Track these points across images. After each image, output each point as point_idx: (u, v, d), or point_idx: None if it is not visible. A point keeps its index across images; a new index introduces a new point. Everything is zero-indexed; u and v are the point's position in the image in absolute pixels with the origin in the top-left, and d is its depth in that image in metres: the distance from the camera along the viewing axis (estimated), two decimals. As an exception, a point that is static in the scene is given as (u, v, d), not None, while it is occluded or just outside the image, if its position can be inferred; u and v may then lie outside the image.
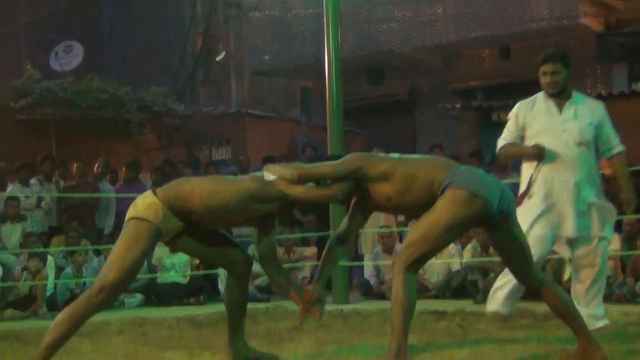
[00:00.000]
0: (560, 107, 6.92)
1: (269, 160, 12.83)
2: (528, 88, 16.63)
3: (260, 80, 21.13)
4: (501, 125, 15.84)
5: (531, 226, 6.37)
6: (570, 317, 4.99)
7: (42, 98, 15.30)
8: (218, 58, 21.12)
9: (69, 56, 20.15)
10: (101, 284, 4.65)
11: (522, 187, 6.76)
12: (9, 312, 9.37)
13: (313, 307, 5.04)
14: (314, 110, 18.64)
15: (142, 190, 11.76)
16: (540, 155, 6.55)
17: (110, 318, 8.20)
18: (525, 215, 6.26)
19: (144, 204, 4.78)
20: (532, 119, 6.94)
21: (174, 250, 5.17)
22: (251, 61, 20.95)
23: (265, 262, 5.03)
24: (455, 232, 4.75)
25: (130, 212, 4.80)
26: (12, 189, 11.40)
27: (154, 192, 4.85)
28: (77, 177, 12.11)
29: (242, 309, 5.29)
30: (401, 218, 11.80)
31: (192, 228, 4.94)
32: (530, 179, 6.65)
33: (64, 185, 11.97)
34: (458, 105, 16.53)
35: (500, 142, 7.05)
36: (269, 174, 4.88)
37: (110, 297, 4.73)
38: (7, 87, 15.88)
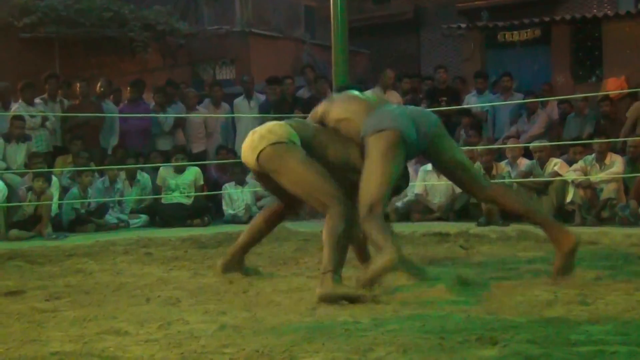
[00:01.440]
0: None
1: (273, 82, 12.71)
2: (533, 8, 16.64)
3: (265, -1, 20.93)
4: (506, 45, 15.90)
5: None
6: (530, 212, 5.30)
7: (46, 16, 15.16)
8: (222, -25, 20.90)
9: (70, -26, 19.90)
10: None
11: None
12: (14, 232, 9.40)
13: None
14: (319, 29, 18.50)
15: (146, 110, 11.83)
16: None
17: (115, 238, 8.25)
18: None
19: (281, 130, 5.07)
20: None
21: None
22: (256, -22, 20.75)
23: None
24: (395, 169, 4.92)
25: (264, 141, 5.01)
26: (16, 108, 11.31)
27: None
28: (81, 96, 12.02)
29: (264, 234, 5.68)
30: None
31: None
32: None
33: (68, 104, 11.90)
34: (463, 25, 16.38)
35: None
36: None
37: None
38: (10, 4, 15.73)
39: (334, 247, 4.64)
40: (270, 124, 5.17)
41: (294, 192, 5.07)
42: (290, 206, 5.51)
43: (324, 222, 4.81)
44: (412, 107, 5.81)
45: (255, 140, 5.06)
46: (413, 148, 4.98)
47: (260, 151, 4.98)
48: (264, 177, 5.23)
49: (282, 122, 5.17)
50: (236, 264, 5.52)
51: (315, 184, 4.87)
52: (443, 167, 5.29)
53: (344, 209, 4.76)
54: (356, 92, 5.51)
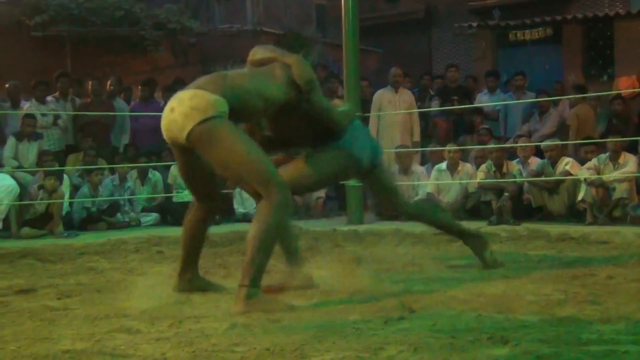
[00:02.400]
0: None
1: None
2: (545, 7, 16.61)
3: (276, -2, 20.96)
4: (518, 44, 15.87)
5: None
6: (449, 228, 5.92)
7: (57, 15, 15.21)
8: (234, -25, 20.94)
9: (83, -28, 19.96)
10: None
11: None
12: (26, 230, 9.43)
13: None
14: (330, 28, 18.49)
15: (157, 109, 11.84)
16: None
17: (126, 237, 8.27)
18: None
19: (208, 103, 4.45)
20: None
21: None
22: (267, -23, 20.78)
23: None
24: (332, 180, 5.72)
25: (195, 117, 4.41)
26: (28, 106, 11.34)
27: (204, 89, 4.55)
28: (92, 94, 12.05)
29: (200, 243, 5.14)
30: (416, 138, 11.78)
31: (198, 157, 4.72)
32: None
33: (80, 102, 11.92)
34: (474, 24, 16.38)
35: None
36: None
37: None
38: (22, 3, 15.79)
39: (257, 250, 4.28)
40: (189, 93, 4.56)
41: (227, 176, 4.97)
42: (208, 202, 5.08)
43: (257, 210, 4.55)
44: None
45: (178, 120, 4.48)
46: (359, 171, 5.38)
47: (189, 133, 4.42)
48: (187, 162, 4.82)
49: (203, 91, 4.51)
50: (187, 283, 5.02)
51: (252, 165, 4.43)
52: (373, 186, 5.64)
53: (283, 198, 4.39)
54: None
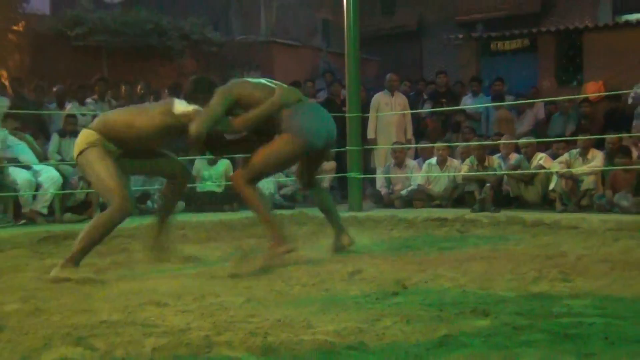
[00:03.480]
0: None
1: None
2: (522, 20, 16.57)
3: (287, 12, 20.92)
4: (498, 53, 15.83)
5: None
6: (328, 212, 5.87)
7: (95, 27, 15.21)
8: (249, -10, 20.94)
9: (117, -11, 19.96)
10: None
11: None
12: (68, 215, 9.45)
13: None
14: (334, 39, 18.46)
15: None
16: None
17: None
18: None
19: (83, 137, 5.05)
20: None
21: (124, 171, 5.14)
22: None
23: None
24: (286, 164, 5.68)
25: (76, 151, 5.08)
26: (70, 107, 11.38)
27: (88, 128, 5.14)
28: (126, 97, 12.09)
29: (170, 215, 5.62)
30: (409, 136, 11.79)
31: (130, 150, 5.15)
32: None
33: (115, 104, 11.92)
34: (461, 36, 16.35)
35: None
36: (178, 107, 5.04)
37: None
38: (64, 17, 15.80)
39: (83, 237, 4.80)
40: (80, 134, 5.19)
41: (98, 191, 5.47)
42: (172, 175, 5.49)
43: None
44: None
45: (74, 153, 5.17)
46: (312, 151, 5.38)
47: (76, 163, 5.20)
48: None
49: (84, 129, 5.21)
50: (161, 253, 5.42)
51: (103, 183, 4.90)
52: (309, 160, 5.63)
53: (119, 205, 4.81)
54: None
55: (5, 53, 15.24)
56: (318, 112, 5.49)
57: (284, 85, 5.48)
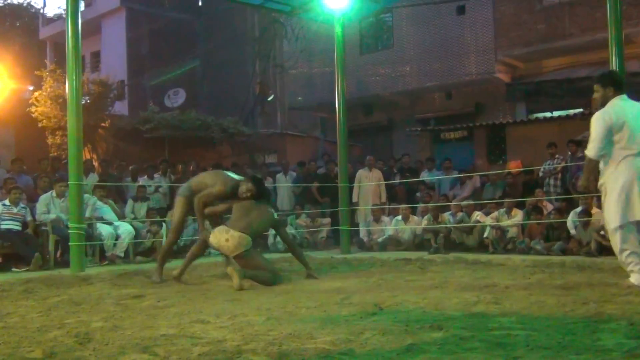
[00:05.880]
0: None
1: (301, 164, 12.84)
2: (463, 117, 16.72)
3: (295, 113, 21.19)
4: (446, 141, 15.92)
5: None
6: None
7: (160, 124, 15.40)
8: (269, 99, 21.22)
9: (176, 97, 20.26)
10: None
11: None
12: (139, 258, 9.42)
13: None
14: (329, 131, 18.65)
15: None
16: None
17: (202, 262, 8.20)
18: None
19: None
20: None
21: None
22: (289, 100, 21.03)
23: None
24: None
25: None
26: (142, 180, 11.48)
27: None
28: (181, 173, 12.16)
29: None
30: (383, 199, 11.79)
31: None
32: None
33: (174, 178, 12.02)
34: (419, 129, 16.52)
35: None
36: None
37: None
38: (137, 116, 16.00)
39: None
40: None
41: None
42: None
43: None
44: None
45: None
46: None
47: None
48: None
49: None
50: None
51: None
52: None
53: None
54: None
55: (95, 142, 15.42)
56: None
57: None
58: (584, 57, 14.74)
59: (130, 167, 11.83)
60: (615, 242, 4.75)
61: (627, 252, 4.71)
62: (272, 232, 10.32)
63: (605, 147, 4.73)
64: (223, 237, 5.52)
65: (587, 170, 4.92)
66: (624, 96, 4.88)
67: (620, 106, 4.78)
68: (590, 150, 4.79)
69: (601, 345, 2.76)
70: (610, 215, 4.76)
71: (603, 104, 4.88)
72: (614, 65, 7.52)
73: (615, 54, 7.55)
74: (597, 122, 4.75)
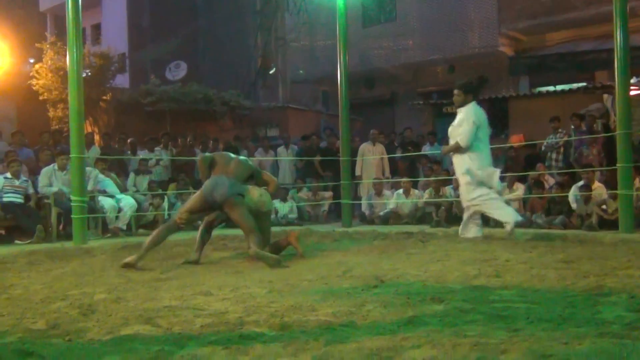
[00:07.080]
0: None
1: (305, 138, 12.81)
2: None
3: (297, 86, 21.05)
4: (448, 115, 15.86)
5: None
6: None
7: (161, 97, 15.30)
8: (271, 72, 21.05)
9: (178, 70, 20.07)
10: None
11: None
12: (141, 231, 9.46)
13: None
14: (331, 105, 18.56)
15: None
16: None
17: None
18: None
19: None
20: None
21: None
22: (291, 74, 20.89)
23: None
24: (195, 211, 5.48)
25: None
26: (143, 154, 11.47)
27: None
28: (182, 146, 12.15)
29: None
30: (387, 174, 11.78)
31: None
32: None
33: (175, 151, 12.00)
34: (421, 102, 16.42)
35: None
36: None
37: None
38: (139, 89, 15.92)
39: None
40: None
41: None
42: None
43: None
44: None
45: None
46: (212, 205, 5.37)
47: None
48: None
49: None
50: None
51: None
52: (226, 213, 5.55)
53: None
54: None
55: (97, 116, 15.34)
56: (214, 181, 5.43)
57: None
58: (588, 30, 14.58)
59: (128, 140, 11.80)
60: None
61: None
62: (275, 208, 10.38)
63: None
64: (257, 192, 5.51)
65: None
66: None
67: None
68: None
69: (601, 318, 2.78)
70: None
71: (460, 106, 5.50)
72: (618, 38, 7.44)
73: (619, 27, 7.47)
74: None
